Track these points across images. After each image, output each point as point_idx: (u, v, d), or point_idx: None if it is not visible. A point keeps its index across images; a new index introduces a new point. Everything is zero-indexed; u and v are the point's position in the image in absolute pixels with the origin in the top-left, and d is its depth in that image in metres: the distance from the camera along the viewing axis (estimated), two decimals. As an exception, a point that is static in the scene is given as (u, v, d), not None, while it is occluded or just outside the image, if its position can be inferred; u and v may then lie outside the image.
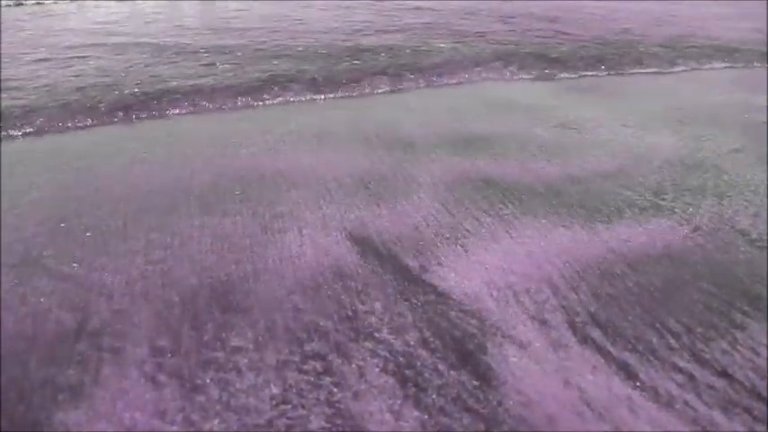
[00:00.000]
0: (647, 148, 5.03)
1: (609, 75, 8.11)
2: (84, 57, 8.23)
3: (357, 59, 8.16)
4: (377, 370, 2.44)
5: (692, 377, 2.40)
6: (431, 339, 2.62)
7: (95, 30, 10.34)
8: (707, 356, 2.52)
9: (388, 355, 2.53)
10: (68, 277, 3.10)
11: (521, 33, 10.40)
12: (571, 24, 11.45)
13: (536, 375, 2.41)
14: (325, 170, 4.49)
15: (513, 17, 12.18)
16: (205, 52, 8.57)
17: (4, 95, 6.32)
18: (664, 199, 4.01)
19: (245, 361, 2.49)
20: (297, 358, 2.51)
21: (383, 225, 3.64)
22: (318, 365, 2.47)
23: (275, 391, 2.33)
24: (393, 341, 2.61)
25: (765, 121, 5.78)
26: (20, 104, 6.08)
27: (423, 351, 2.55)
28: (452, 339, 2.63)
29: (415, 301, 2.90)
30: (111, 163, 4.70)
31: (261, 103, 6.53)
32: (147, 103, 6.26)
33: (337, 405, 2.26)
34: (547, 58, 8.54)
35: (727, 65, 8.80)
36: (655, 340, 2.62)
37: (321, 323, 2.74)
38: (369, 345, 2.59)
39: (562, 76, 7.95)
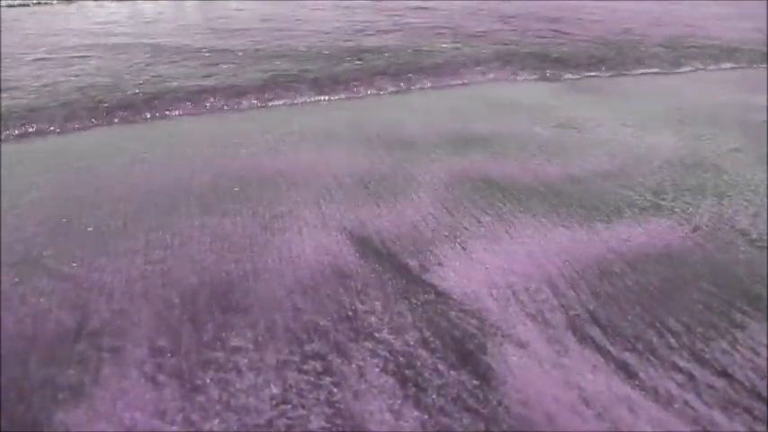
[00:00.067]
0: (647, 147, 5.02)
1: (609, 75, 8.11)
2: (84, 57, 8.23)
3: (358, 60, 8.17)
4: (377, 370, 2.44)
5: (691, 377, 2.40)
6: (431, 339, 2.62)
7: (96, 30, 10.35)
8: (707, 356, 2.52)
9: (387, 354, 2.53)
10: (68, 277, 3.10)
11: (521, 33, 10.40)
12: (571, 24, 11.46)
13: (536, 375, 2.41)
14: (326, 170, 4.49)
15: (513, 17, 12.20)
16: (206, 52, 8.57)
17: (4, 95, 6.33)
18: (664, 199, 4.01)
19: (245, 361, 2.49)
20: (297, 358, 2.51)
21: (383, 225, 3.65)
22: (318, 365, 2.47)
23: (275, 391, 2.33)
24: (393, 341, 2.61)
25: (765, 120, 5.78)
26: (20, 104, 6.08)
27: (423, 351, 2.55)
28: (452, 339, 2.63)
29: (414, 300, 2.90)
30: (111, 163, 4.70)
31: (262, 104, 6.53)
32: (148, 103, 6.25)
33: (337, 405, 2.26)
34: (547, 59, 8.54)
35: (728, 65, 8.79)
36: (654, 340, 2.62)
37: (321, 323, 2.74)
38: (369, 344, 2.59)
39: (563, 76, 7.94)
